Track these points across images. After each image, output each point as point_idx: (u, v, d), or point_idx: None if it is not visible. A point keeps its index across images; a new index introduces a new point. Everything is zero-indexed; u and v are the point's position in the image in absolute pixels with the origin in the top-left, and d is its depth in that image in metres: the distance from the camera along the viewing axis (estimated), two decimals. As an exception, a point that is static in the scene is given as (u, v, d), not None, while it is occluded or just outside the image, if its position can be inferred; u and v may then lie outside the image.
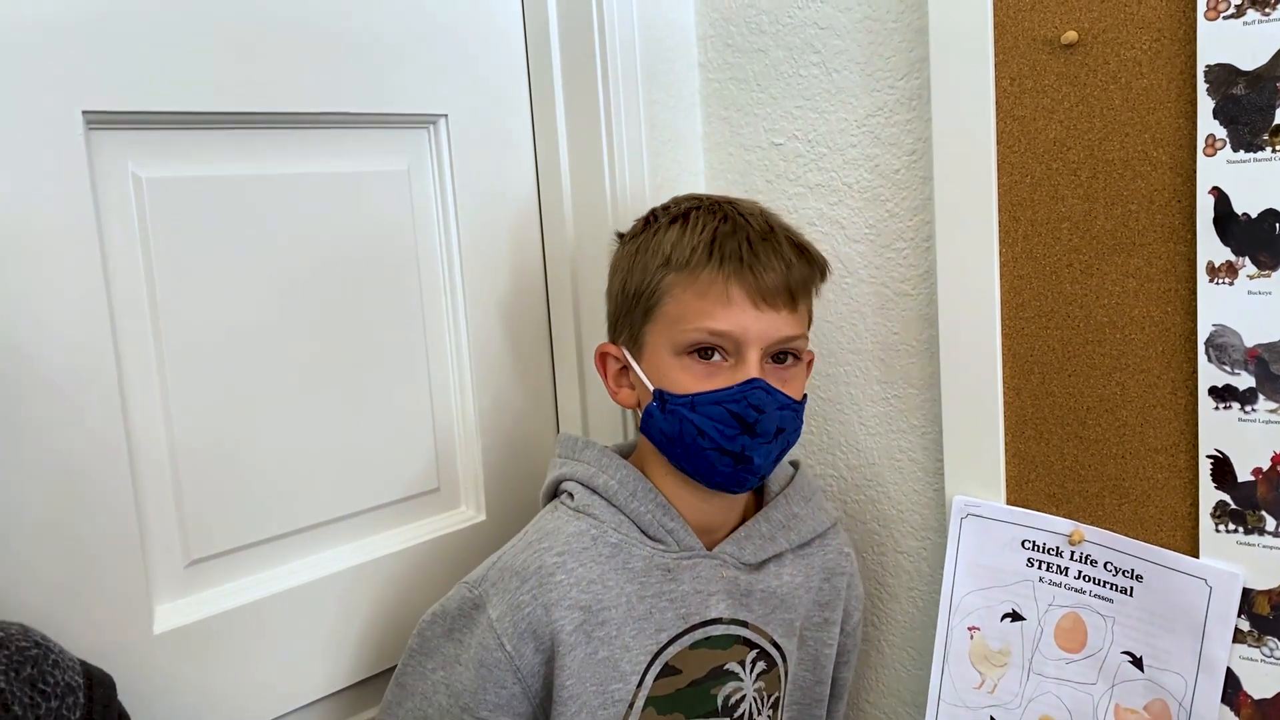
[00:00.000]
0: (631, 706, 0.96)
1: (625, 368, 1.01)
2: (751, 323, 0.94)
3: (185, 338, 0.95)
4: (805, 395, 1.01)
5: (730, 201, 1.01)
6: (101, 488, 0.89)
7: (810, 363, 1.04)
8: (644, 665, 0.96)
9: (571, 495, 1.00)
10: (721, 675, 1.00)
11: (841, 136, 1.16)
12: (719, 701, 1.00)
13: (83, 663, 0.77)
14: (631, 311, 1.00)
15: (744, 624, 1.01)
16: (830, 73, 1.15)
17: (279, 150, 1.02)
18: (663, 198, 1.12)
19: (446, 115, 1.14)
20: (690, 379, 0.95)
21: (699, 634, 0.98)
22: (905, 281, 1.13)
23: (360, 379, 1.09)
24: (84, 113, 0.87)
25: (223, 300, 0.98)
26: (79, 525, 0.88)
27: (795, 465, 1.11)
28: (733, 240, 0.95)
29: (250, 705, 1.00)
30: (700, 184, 1.28)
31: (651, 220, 1.03)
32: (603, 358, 1.04)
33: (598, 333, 1.17)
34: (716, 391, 0.94)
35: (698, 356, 0.95)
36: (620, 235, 1.06)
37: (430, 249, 1.15)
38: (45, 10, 0.84)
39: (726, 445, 0.94)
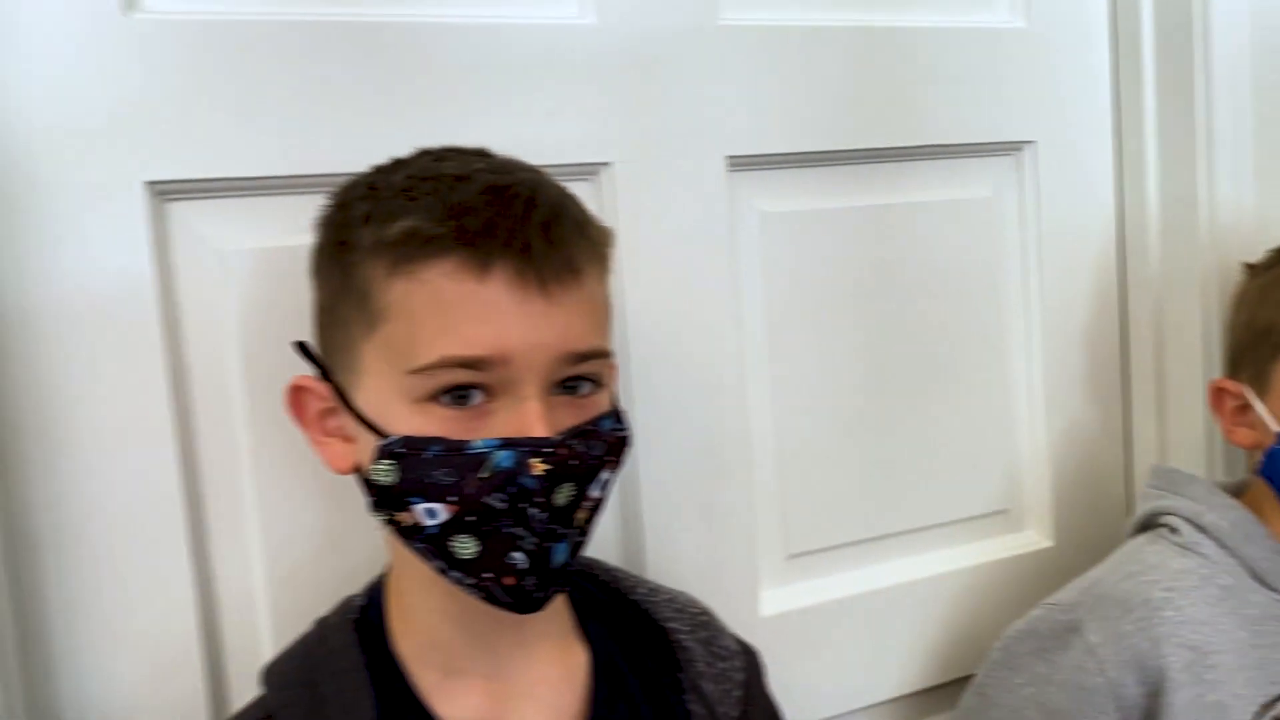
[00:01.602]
0: (1239, 754, 0.91)
1: (1245, 405, 0.96)
2: None
3: (791, 352, 1.06)
4: None
5: None
6: (725, 483, 1.02)
7: None
8: (1254, 715, 0.91)
9: (1175, 530, 0.97)
10: (1335, 741, 0.92)
11: None
12: (1332, 767, 0.92)
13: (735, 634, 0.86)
14: (1258, 348, 0.95)
15: (1366, 689, 0.91)
16: None
17: (873, 183, 1.09)
18: (1270, 226, 1.05)
19: (1033, 142, 1.15)
20: None
21: None
22: None
23: (938, 398, 1.14)
24: (726, 157, 1.00)
25: (821, 320, 1.07)
26: (709, 512, 1.01)
27: None
28: None
29: (831, 694, 1.09)
30: (1311, 209, 1.17)
31: None
32: (1219, 393, 1.00)
33: (1182, 367, 1.13)
34: None
35: None
36: (1249, 266, 1.01)
37: (1009, 274, 1.17)
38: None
39: None
